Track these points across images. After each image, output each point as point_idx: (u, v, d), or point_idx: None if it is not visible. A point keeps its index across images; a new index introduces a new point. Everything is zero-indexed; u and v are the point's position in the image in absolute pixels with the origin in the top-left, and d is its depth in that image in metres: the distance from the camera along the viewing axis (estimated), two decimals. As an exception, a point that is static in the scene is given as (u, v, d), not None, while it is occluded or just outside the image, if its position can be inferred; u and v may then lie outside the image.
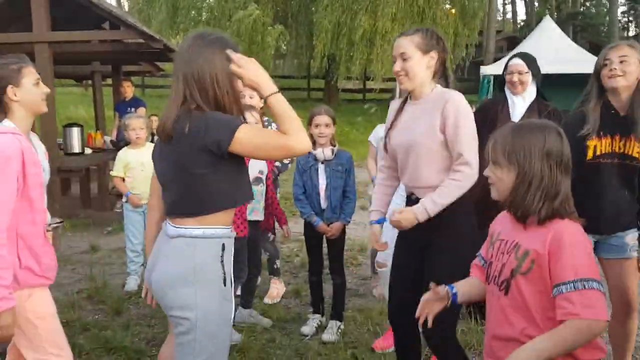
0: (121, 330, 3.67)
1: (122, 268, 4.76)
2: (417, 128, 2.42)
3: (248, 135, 1.80)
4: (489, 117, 3.33)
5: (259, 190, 3.60)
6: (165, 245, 1.96)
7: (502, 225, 1.82)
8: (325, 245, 3.70)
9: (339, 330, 3.60)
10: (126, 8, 29.27)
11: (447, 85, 2.49)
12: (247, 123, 1.89)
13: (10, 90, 2.21)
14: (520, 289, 1.65)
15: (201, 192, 1.87)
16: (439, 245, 2.42)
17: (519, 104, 3.36)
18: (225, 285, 1.91)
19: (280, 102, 1.82)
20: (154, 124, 8.40)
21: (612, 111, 2.63)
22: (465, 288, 1.92)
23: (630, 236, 2.67)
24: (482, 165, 1.96)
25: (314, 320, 3.72)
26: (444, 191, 2.33)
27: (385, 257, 3.34)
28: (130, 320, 3.84)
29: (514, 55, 3.52)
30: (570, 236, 1.58)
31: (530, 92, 3.38)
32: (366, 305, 4.10)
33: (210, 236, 1.89)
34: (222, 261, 1.91)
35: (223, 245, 1.92)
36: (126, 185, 4.55)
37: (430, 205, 2.33)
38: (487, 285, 1.81)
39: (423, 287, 2.36)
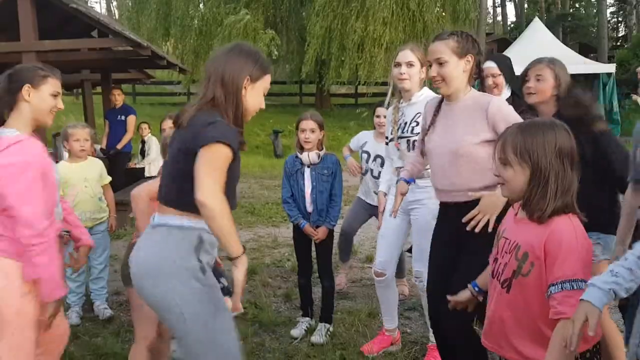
0: (112, 337, 3.67)
1: (112, 276, 4.75)
2: (458, 132, 2.42)
3: (204, 156, 1.85)
4: None
5: None
6: (147, 234, 2.05)
7: (506, 222, 1.87)
8: (314, 248, 3.73)
9: (328, 332, 3.62)
10: (117, 16, 29.25)
11: (482, 86, 2.50)
12: (230, 145, 1.89)
13: (26, 88, 2.28)
14: (521, 289, 1.70)
15: (185, 186, 1.90)
16: (475, 247, 2.38)
17: None
18: (204, 274, 1.96)
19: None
20: (144, 132, 8.45)
21: None
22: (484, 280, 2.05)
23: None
24: None
25: (303, 323, 3.74)
26: None
27: (384, 265, 3.33)
28: (121, 327, 3.84)
29: (487, 58, 3.58)
30: (569, 237, 1.61)
31: (505, 93, 3.42)
32: (355, 307, 4.12)
33: (188, 227, 1.93)
34: (197, 252, 1.95)
35: (200, 237, 1.96)
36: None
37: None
38: (490, 278, 1.88)
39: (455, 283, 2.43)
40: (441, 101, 2.59)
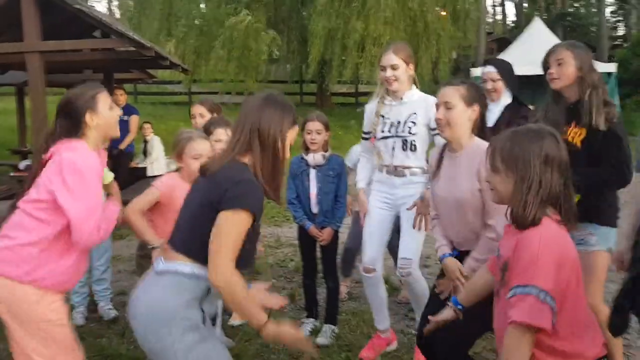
0: (116, 338, 3.68)
1: (116, 276, 4.76)
2: (460, 185, 2.46)
3: (224, 223, 1.83)
4: None
5: None
6: (149, 280, 1.99)
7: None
8: (318, 249, 3.73)
9: (333, 334, 3.62)
10: (117, 15, 29.22)
11: (484, 136, 2.52)
12: (249, 210, 1.87)
13: (88, 117, 2.32)
14: (503, 296, 1.71)
15: (201, 237, 1.88)
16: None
17: (493, 110, 3.36)
18: (204, 323, 1.94)
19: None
20: (147, 132, 8.44)
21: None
22: (471, 292, 2.10)
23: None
24: None
25: (308, 324, 3.75)
26: (484, 248, 2.40)
27: (372, 261, 3.28)
28: (126, 328, 3.83)
29: (487, 63, 3.56)
30: (533, 246, 1.60)
31: (505, 98, 3.43)
32: (360, 309, 4.13)
33: (199, 276, 1.90)
34: (202, 302, 1.94)
35: (208, 287, 1.93)
36: None
37: (474, 263, 2.43)
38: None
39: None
40: (443, 149, 2.62)
